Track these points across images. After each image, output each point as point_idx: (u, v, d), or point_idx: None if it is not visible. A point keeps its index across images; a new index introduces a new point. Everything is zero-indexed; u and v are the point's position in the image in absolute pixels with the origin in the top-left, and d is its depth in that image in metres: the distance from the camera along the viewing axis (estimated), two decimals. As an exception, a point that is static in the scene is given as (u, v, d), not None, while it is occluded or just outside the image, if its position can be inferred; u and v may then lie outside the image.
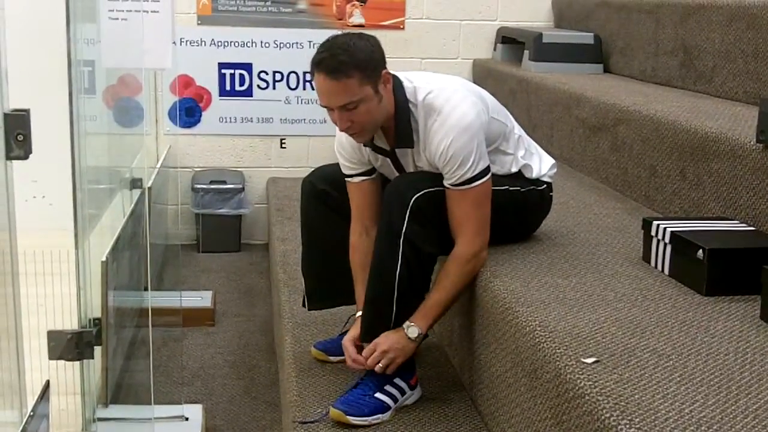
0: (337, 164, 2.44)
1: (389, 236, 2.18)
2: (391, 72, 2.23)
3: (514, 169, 2.37)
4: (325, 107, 2.18)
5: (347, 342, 2.32)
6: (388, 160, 2.33)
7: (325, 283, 2.55)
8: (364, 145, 2.32)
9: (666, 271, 2.14)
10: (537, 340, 1.79)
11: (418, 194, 2.16)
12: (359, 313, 2.36)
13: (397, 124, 2.23)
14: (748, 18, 2.90)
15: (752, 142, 2.26)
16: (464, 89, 2.25)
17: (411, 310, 2.22)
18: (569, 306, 1.93)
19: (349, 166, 2.39)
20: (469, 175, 2.16)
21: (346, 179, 2.41)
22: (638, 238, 2.32)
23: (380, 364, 2.19)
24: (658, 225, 2.17)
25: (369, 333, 2.27)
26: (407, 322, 2.20)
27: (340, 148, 2.38)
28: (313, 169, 2.58)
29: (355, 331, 2.33)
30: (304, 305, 2.63)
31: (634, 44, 3.80)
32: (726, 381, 1.55)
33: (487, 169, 2.20)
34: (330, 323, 2.74)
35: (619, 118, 3.02)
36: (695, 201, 2.53)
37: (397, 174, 2.35)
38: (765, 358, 1.65)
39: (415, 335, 2.19)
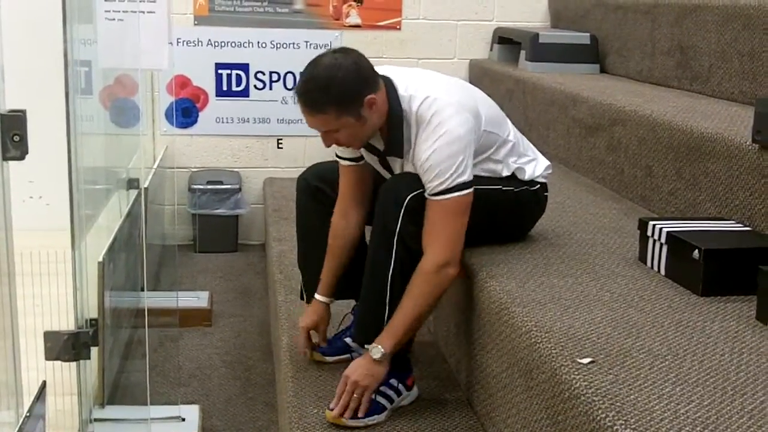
0: (332, 161, 2.46)
1: (383, 236, 2.18)
2: (388, 74, 2.23)
3: (505, 173, 2.37)
4: None
5: (302, 333, 2.49)
6: (378, 160, 2.35)
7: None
8: None
9: (662, 271, 2.14)
10: (533, 340, 1.80)
11: (413, 194, 2.16)
12: (317, 297, 2.49)
13: (389, 134, 2.24)
14: (743, 18, 2.91)
15: (748, 143, 2.26)
16: (458, 101, 2.20)
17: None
18: (565, 306, 1.93)
19: (341, 150, 2.42)
20: (444, 187, 2.13)
21: (336, 156, 2.44)
22: (634, 238, 2.32)
23: (355, 395, 2.15)
24: (654, 225, 2.17)
25: (362, 332, 2.28)
26: (373, 344, 2.17)
27: None
28: (308, 166, 2.60)
29: (309, 317, 2.50)
30: (302, 298, 2.64)
31: (630, 44, 3.81)
32: (722, 381, 1.55)
33: (466, 184, 2.15)
34: (327, 323, 2.74)
35: (615, 118, 3.02)
36: (691, 201, 2.53)
37: (385, 173, 2.37)
38: (761, 358, 1.65)
39: (379, 356, 2.15)
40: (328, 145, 2.24)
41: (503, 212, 2.35)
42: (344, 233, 2.44)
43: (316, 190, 2.51)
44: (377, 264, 2.20)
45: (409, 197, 2.15)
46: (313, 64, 2.17)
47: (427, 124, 2.16)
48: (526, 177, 2.39)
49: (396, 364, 2.24)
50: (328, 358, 2.52)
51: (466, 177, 2.15)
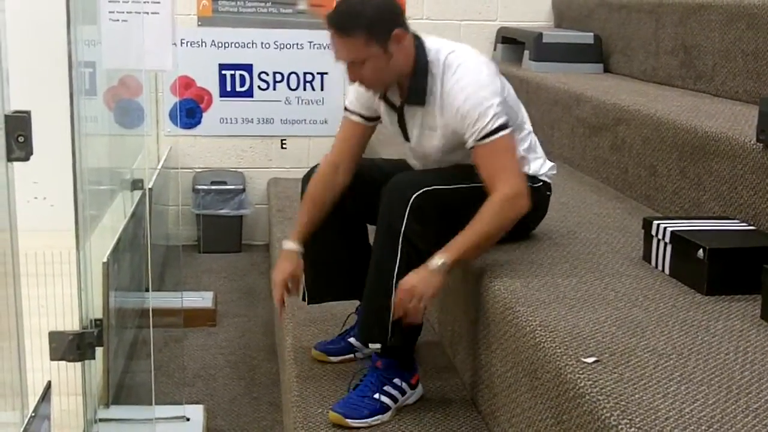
0: None
1: (388, 235, 2.18)
2: (417, 33, 2.27)
3: None
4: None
5: (279, 287, 2.40)
6: (396, 116, 2.35)
7: (325, 277, 2.55)
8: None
9: (666, 270, 2.14)
10: (537, 339, 1.80)
11: (418, 192, 2.17)
12: (288, 245, 2.42)
13: (412, 82, 2.26)
14: (747, 17, 2.91)
15: (752, 142, 2.26)
16: (483, 60, 2.29)
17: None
18: (569, 306, 1.93)
19: (355, 102, 2.43)
20: (490, 128, 2.16)
21: (344, 110, 2.45)
22: (639, 237, 2.32)
23: (411, 303, 2.11)
24: (659, 224, 2.17)
25: (366, 332, 2.27)
26: (434, 256, 2.13)
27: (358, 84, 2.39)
28: (313, 166, 2.59)
29: (284, 270, 2.40)
30: (303, 299, 2.63)
31: (634, 44, 3.80)
32: (726, 380, 1.55)
33: (507, 125, 2.19)
34: (330, 323, 2.75)
35: (619, 117, 3.02)
36: (695, 200, 2.53)
37: (400, 134, 2.38)
38: (765, 357, 1.65)
39: (437, 265, 2.10)
40: (352, 80, 2.24)
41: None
42: (332, 182, 2.42)
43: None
44: (382, 263, 2.20)
45: (414, 196, 2.15)
46: None
47: (453, 73, 2.21)
48: (530, 171, 2.39)
49: (401, 363, 2.24)
50: (333, 358, 2.53)
51: (504, 119, 2.19)
